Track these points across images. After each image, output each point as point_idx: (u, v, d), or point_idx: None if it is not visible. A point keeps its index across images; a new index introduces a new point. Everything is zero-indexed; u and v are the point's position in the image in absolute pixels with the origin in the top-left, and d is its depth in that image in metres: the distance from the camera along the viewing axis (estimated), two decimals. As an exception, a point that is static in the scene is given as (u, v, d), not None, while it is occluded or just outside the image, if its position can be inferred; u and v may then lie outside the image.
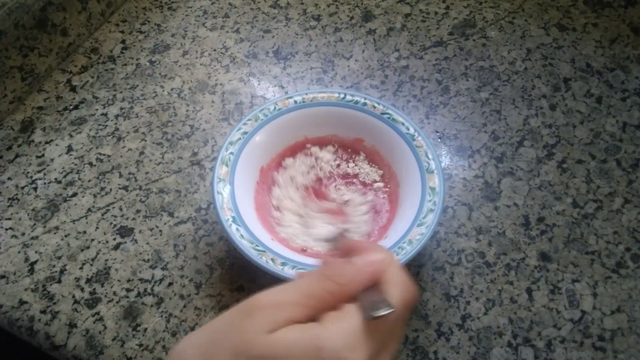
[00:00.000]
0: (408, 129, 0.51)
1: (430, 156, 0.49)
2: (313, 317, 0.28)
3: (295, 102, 0.53)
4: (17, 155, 0.59)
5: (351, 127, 0.54)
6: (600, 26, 0.68)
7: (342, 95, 0.53)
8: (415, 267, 0.51)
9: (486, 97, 0.62)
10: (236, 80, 0.64)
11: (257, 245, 0.45)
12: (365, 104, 0.53)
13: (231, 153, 0.50)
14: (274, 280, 0.37)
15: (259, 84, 0.64)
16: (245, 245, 0.45)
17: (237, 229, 0.46)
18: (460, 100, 0.62)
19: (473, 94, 0.62)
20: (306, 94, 0.53)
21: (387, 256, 0.31)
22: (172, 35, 0.69)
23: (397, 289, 0.29)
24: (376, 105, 0.52)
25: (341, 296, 0.29)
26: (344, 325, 0.27)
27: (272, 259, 0.44)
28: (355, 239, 0.49)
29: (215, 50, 0.67)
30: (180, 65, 0.65)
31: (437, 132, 0.60)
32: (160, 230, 0.53)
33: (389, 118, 0.52)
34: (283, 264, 0.44)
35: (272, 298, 0.28)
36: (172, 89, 0.63)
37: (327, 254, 0.48)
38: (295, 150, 0.55)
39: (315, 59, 0.66)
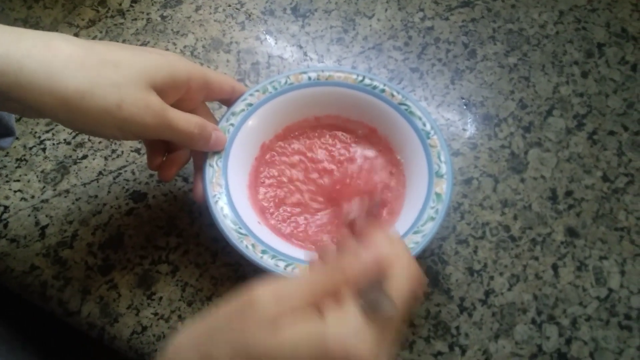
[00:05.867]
0: (425, 124, 0.47)
1: (442, 158, 0.45)
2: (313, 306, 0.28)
3: (310, 78, 0.49)
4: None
5: (365, 114, 0.50)
6: (638, -12, 0.64)
7: (360, 78, 0.49)
8: (438, 240, 0.49)
9: (514, 63, 0.59)
10: (252, 38, 0.61)
11: (239, 228, 0.43)
12: (383, 90, 0.49)
13: (231, 124, 0.47)
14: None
15: (276, 43, 0.61)
16: (227, 225, 0.43)
17: (222, 207, 0.44)
18: (487, 65, 0.59)
19: (501, 59, 0.59)
20: (322, 71, 0.49)
21: (396, 250, 0.31)
22: (184, -11, 0.65)
23: (401, 286, 0.29)
24: (395, 93, 0.48)
25: (344, 287, 0.29)
26: (347, 317, 0.27)
27: (253, 245, 0.42)
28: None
29: (229, 5, 0.63)
30: (193, 21, 0.62)
31: (462, 98, 0.57)
32: (175, 196, 0.52)
33: (406, 110, 0.48)
34: (263, 252, 0.42)
35: (273, 292, 0.28)
36: (185, 47, 0.60)
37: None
38: (301, 129, 0.51)
39: (335, 17, 0.62)
